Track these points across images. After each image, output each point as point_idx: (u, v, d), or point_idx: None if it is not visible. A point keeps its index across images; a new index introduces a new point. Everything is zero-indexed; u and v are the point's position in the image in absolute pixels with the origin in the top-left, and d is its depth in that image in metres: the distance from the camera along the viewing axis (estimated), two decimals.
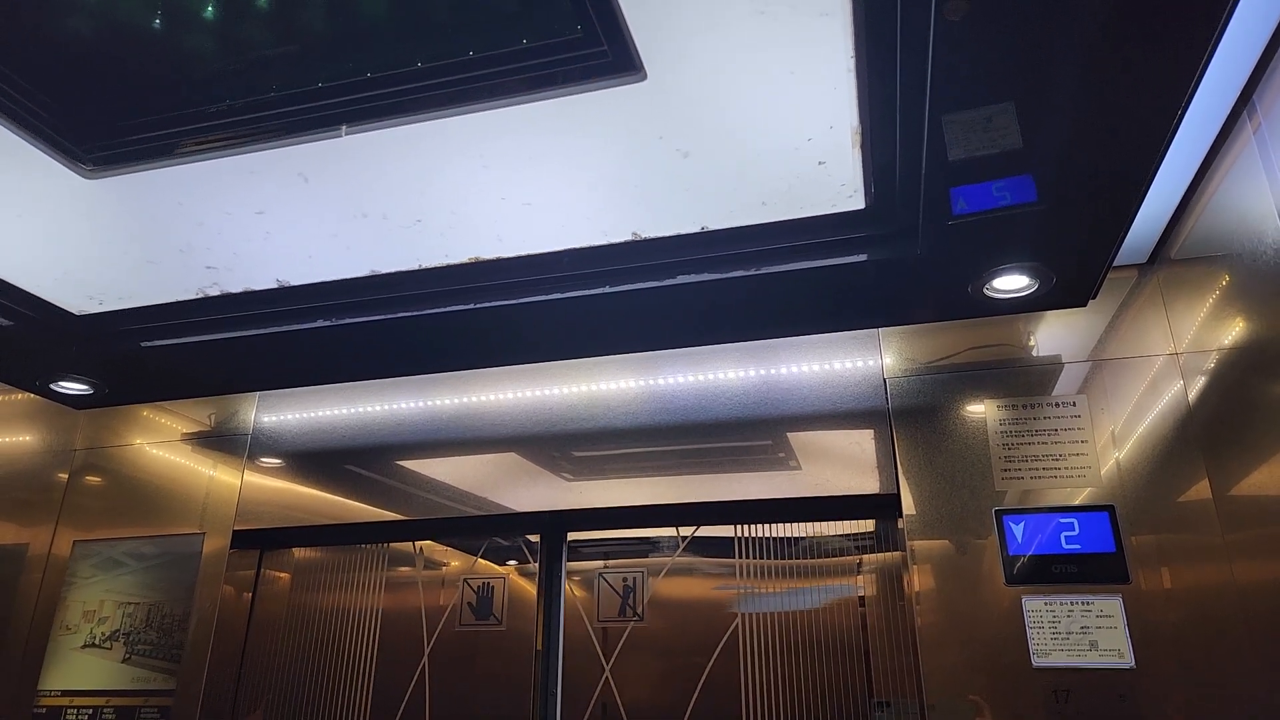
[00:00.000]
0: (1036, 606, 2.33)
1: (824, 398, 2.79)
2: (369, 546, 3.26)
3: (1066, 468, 2.46)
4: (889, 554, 2.75)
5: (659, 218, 1.97)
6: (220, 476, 3.32)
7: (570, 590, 3.02)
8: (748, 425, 2.84)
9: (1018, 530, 2.42)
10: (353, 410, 3.27)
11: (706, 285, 2.08)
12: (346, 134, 1.69)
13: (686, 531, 2.98)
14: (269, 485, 3.27)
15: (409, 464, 3.15)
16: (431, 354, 2.57)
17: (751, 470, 2.80)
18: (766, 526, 2.87)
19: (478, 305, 2.21)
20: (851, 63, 1.52)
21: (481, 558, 3.14)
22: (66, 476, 3.53)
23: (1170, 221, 2.38)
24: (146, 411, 3.52)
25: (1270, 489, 1.98)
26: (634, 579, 2.97)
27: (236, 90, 1.65)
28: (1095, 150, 1.59)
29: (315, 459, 3.26)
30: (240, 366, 2.68)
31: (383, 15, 1.50)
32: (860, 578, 2.76)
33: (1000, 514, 2.45)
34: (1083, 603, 2.30)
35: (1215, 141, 2.02)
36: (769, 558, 2.84)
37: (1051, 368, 2.59)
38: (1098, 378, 2.55)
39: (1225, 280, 2.14)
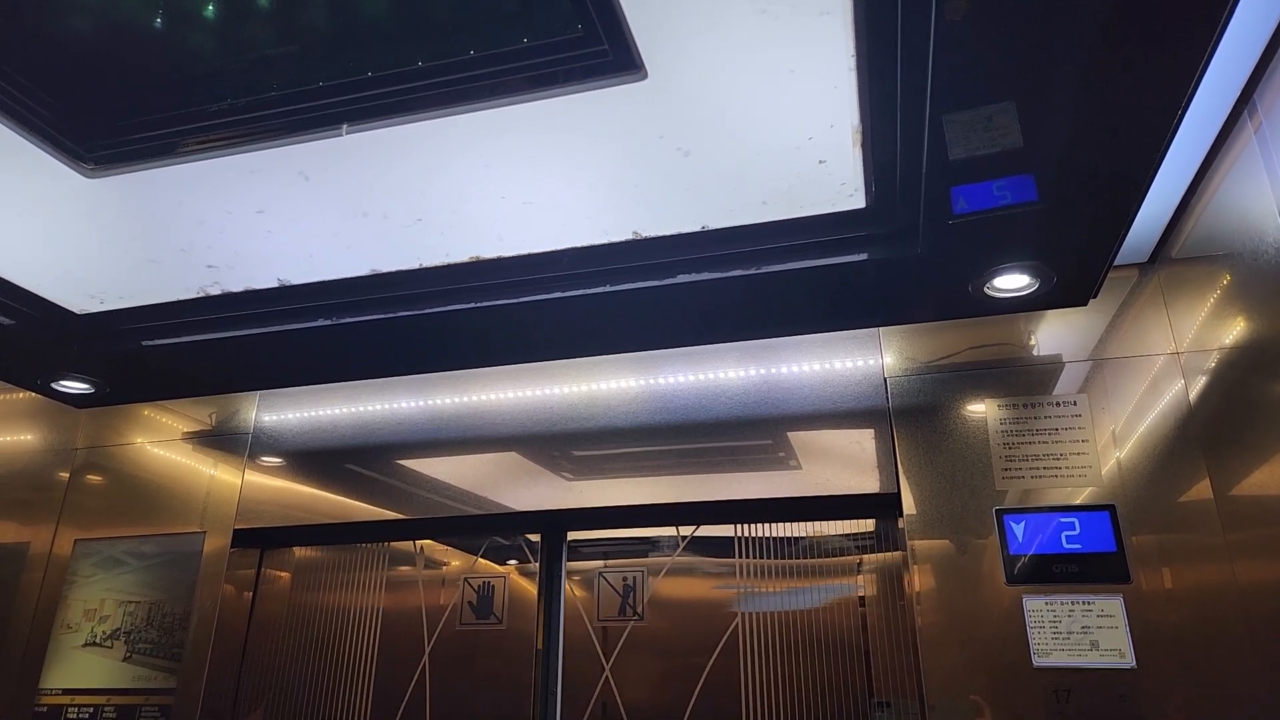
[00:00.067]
0: (1037, 606, 2.33)
1: (824, 397, 2.79)
2: (369, 546, 3.26)
3: (1067, 467, 2.46)
4: (889, 554, 2.75)
5: (659, 217, 1.97)
6: (221, 475, 3.32)
7: (570, 590, 3.02)
8: (748, 425, 2.84)
9: (1018, 530, 2.42)
10: (353, 409, 3.27)
11: (707, 284, 2.08)
12: (347, 133, 1.69)
13: (686, 531, 2.98)
14: (270, 484, 3.28)
15: (409, 463, 3.15)
16: (432, 353, 2.57)
17: (751, 470, 2.80)
18: (766, 526, 2.87)
19: (478, 304, 2.21)
20: (852, 62, 1.52)
21: (482, 557, 3.14)
22: (68, 475, 3.54)
23: (1171, 221, 2.38)
24: (147, 410, 3.52)
25: (1271, 489, 1.98)
26: (634, 578, 2.97)
27: (237, 89, 1.65)
28: (1096, 150, 1.59)
29: (316, 458, 3.26)
30: (241, 365, 2.68)
31: (383, 14, 1.50)
32: (860, 577, 2.76)
33: (1001, 513, 2.45)
34: (1083, 602, 2.30)
35: (1216, 141, 2.02)
36: (769, 557, 2.84)
37: (1052, 367, 2.59)
38: (1098, 377, 2.55)
39: (1226, 280, 2.14)
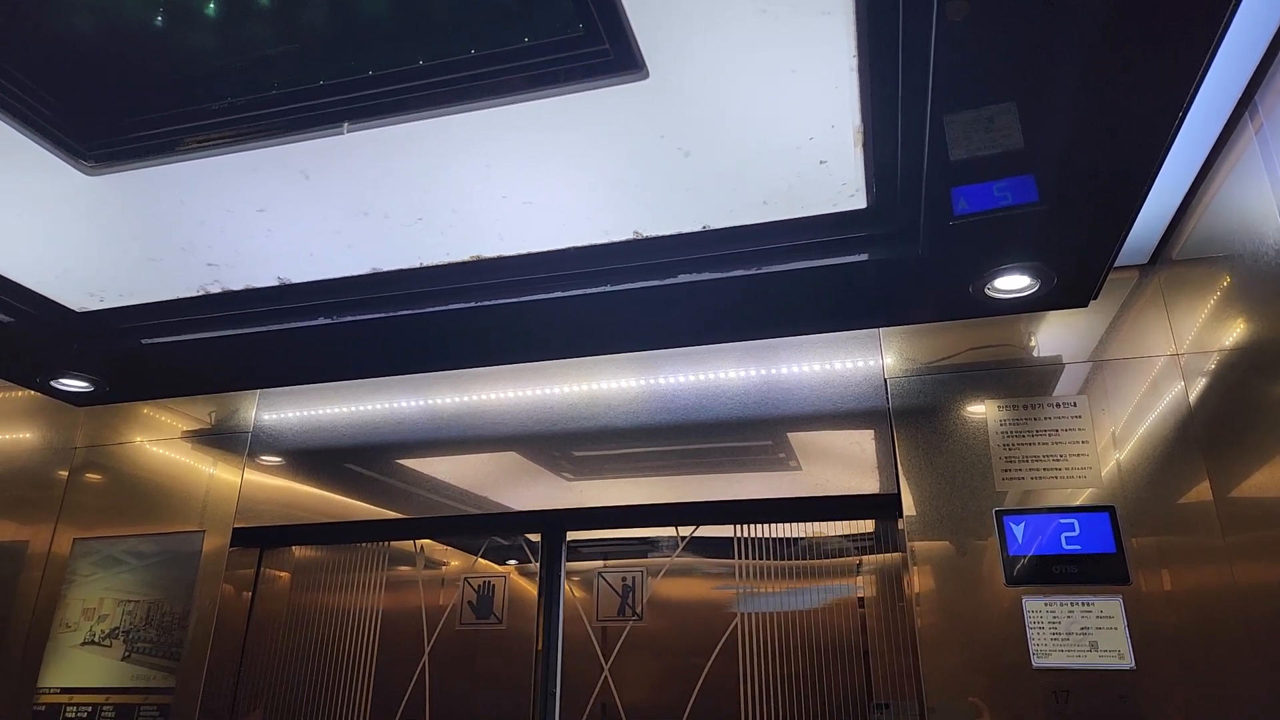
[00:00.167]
0: (1037, 607, 2.33)
1: (824, 398, 2.79)
2: (369, 545, 3.26)
3: (1067, 468, 2.46)
4: (889, 554, 2.75)
5: (660, 216, 1.97)
6: (220, 474, 3.32)
7: (570, 590, 3.02)
8: (748, 425, 2.84)
9: (1018, 531, 2.42)
10: (353, 409, 3.27)
11: (707, 284, 2.07)
12: (348, 132, 1.69)
13: (686, 531, 2.98)
14: (269, 483, 3.27)
15: (409, 463, 3.15)
16: (432, 352, 2.57)
17: (751, 470, 2.79)
18: (766, 526, 2.87)
19: (479, 304, 2.21)
20: (853, 62, 1.51)
21: (481, 557, 3.14)
22: (67, 474, 3.54)
23: (1171, 222, 2.38)
24: (147, 409, 3.52)
25: (1271, 491, 1.98)
26: (633, 579, 2.97)
27: (238, 88, 1.65)
28: (1096, 150, 1.59)
29: (316, 457, 3.26)
30: (241, 364, 2.68)
31: (384, 13, 1.50)
32: (860, 578, 2.76)
33: (1001, 514, 2.45)
34: (1083, 603, 2.30)
35: (1217, 142, 2.02)
36: (768, 558, 2.84)
37: (1052, 368, 2.59)
38: (1098, 378, 2.55)
39: (1226, 281, 2.14)
